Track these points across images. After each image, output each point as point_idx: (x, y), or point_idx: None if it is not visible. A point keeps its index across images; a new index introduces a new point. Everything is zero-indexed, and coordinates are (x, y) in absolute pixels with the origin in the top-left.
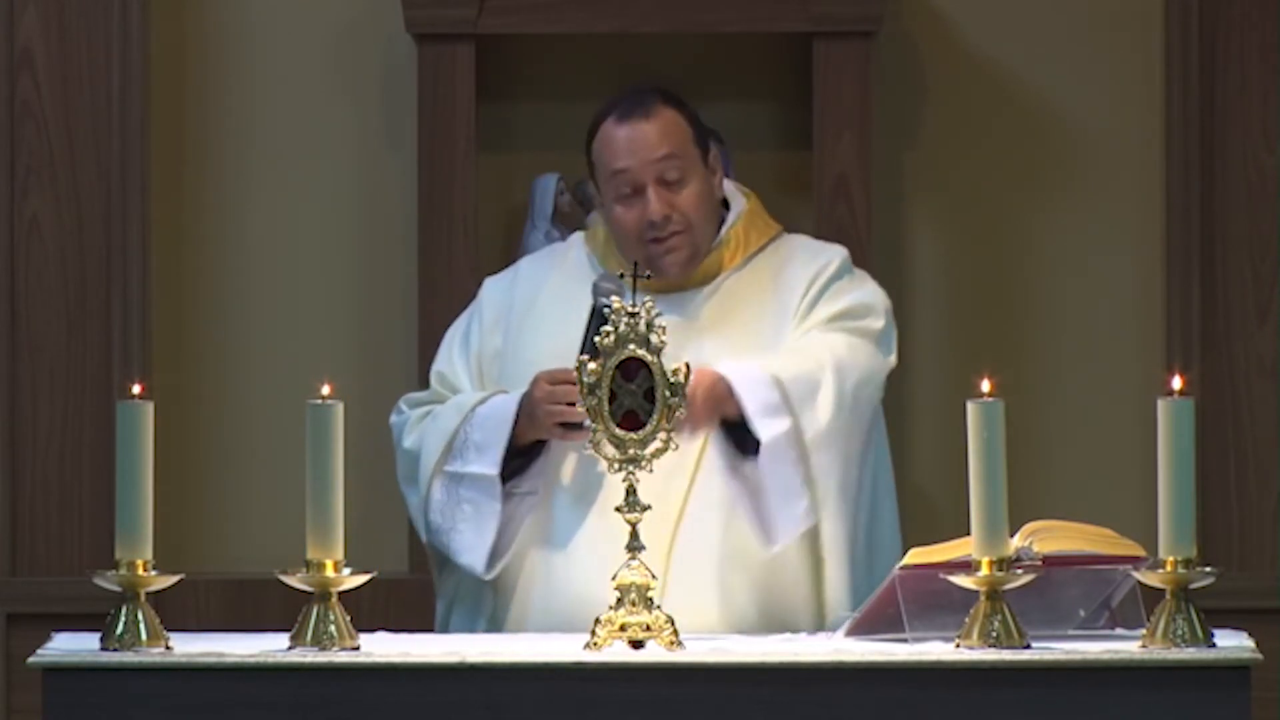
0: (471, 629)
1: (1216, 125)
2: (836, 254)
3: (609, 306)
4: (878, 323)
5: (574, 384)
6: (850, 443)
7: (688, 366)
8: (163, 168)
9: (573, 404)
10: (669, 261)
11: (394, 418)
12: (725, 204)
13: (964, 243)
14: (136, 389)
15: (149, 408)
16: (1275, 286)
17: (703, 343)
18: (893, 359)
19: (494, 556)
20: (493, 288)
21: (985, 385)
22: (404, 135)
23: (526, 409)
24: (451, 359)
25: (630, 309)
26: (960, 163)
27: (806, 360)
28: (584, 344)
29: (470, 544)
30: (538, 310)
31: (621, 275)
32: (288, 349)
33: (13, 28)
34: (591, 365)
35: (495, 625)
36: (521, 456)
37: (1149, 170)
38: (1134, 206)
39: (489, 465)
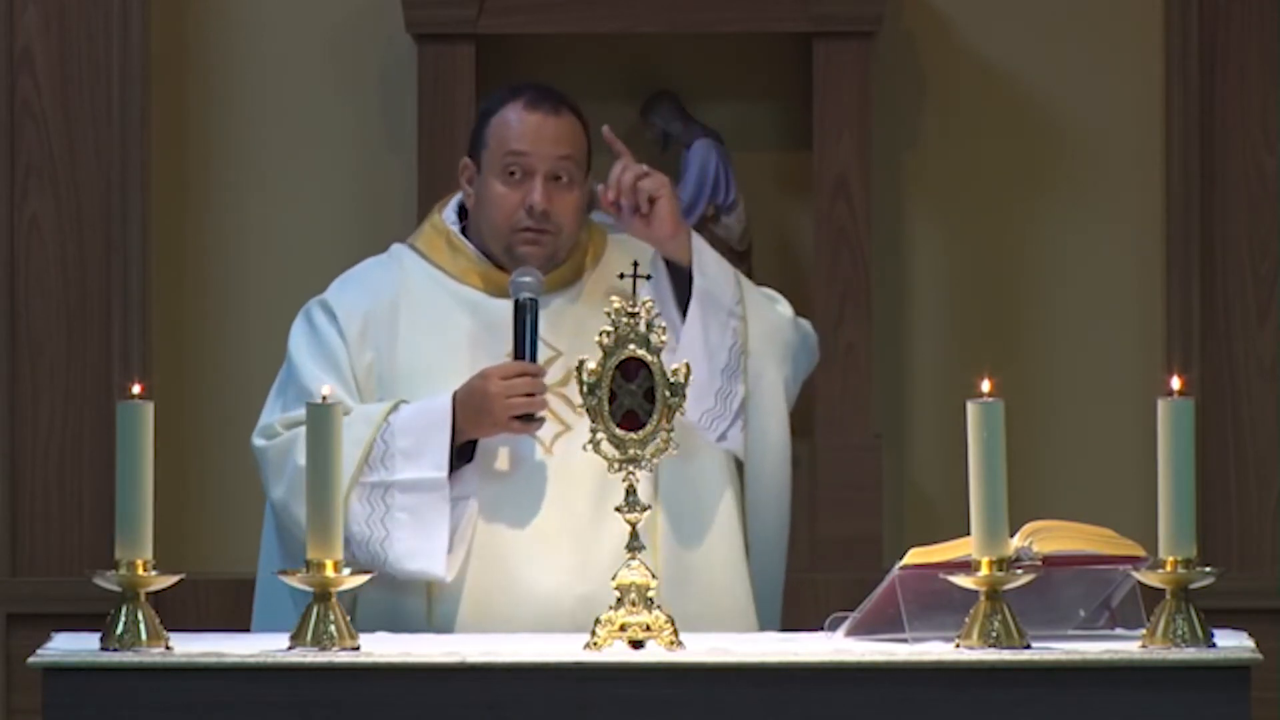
0: (397, 604)
1: (1216, 125)
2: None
3: (532, 299)
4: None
5: (528, 376)
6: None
7: (688, 367)
8: (163, 168)
9: (530, 395)
10: (526, 253)
11: (261, 441)
12: None
13: (964, 243)
14: (136, 389)
15: (149, 408)
16: (1275, 286)
17: (581, 334)
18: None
19: (451, 558)
20: (343, 302)
21: (985, 385)
22: (404, 135)
23: (470, 406)
24: (321, 378)
25: (630, 309)
26: (960, 163)
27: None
28: (516, 340)
29: (415, 550)
30: (401, 323)
31: (622, 276)
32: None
33: (13, 28)
34: (591, 365)
35: (430, 614)
36: (455, 458)
37: (1149, 170)
38: (1134, 206)
39: (432, 468)
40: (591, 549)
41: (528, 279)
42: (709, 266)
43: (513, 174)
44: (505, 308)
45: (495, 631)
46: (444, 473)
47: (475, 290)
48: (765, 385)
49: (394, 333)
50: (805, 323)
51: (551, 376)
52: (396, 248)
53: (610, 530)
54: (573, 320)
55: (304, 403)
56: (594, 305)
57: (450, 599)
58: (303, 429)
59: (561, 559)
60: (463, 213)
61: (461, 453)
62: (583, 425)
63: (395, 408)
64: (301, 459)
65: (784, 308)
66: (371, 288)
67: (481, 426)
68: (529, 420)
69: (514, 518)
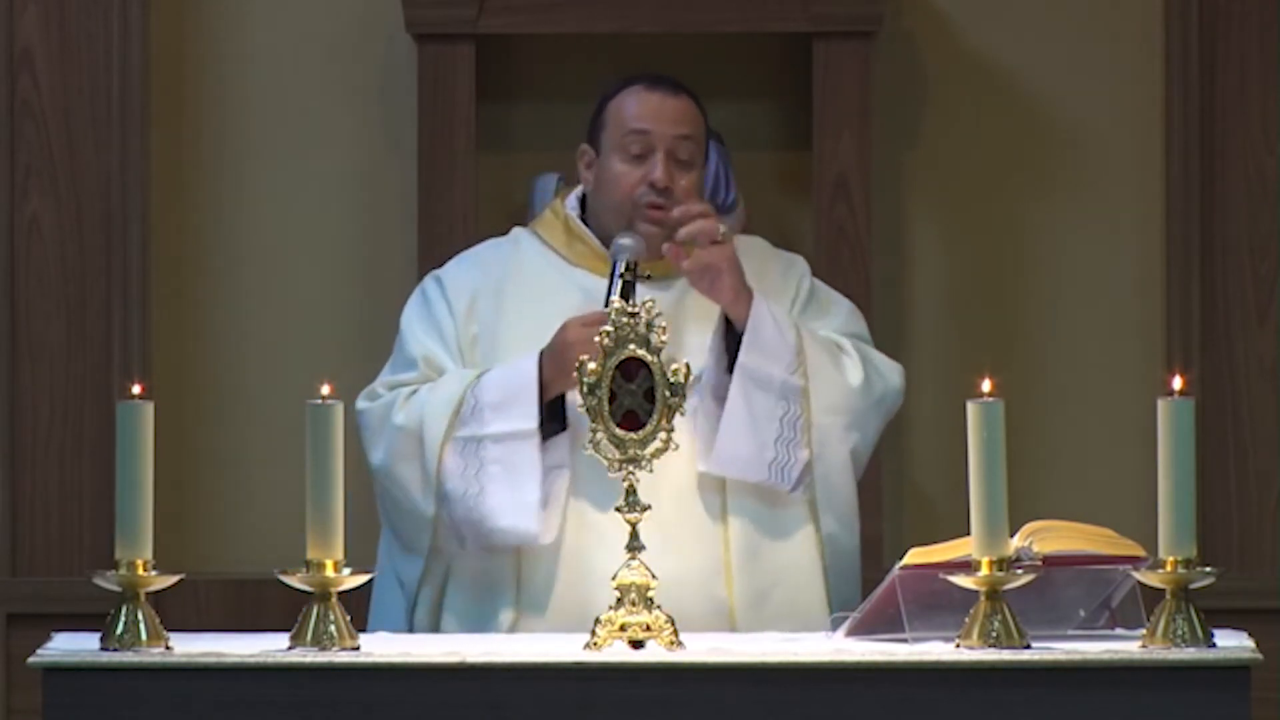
0: (483, 611)
1: (1216, 125)
2: (802, 264)
3: (627, 262)
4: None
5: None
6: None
7: (688, 366)
8: (163, 168)
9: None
10: (648, 231)
11: (364, 403)
12: None
13: (964, 242)
14: (136, 389)
15: (149, 408)
16: (1275, 286)
17: (688, 329)
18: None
19: (546, 519)
20: (457, 276)
21: (985, 385)
22: (404, 135)
23: (554, 356)
24: (428, 345)
25: (630, 309)
26: (960, 163)
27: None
28: (607, 297)
29: (508, 504)
30: (508, 298)
31: (622, 276)
32: (288, 349)
33: (13, 28)
34: (591, 365)
35: (519, 601)
36: (548, 422)
37: (1149, 170)
38: (1134, 206)
39: (522, 420)
40: (673, 535)
41: (628, 241)
42: (763, 338)
43: (634, 152)
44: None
45: (578, 612)
46: (534, 423)
47: (588, 273)
48: (829, 454)
49: (500, 308)
50: (888, 371)
51: None
52: (516, 230)
53: (696, 517)
54: (677, 313)
55: (409, 369)
56: (697, 304)
57: (545, 568)
58: (404, 390)
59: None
60: (583, 204)
61: (554, 414)
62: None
63: (486, 371)
64: (399, 418)
65: (853, 372)
66: (483, 265)
67: (564, 375)
68: None
69: (603, 498)
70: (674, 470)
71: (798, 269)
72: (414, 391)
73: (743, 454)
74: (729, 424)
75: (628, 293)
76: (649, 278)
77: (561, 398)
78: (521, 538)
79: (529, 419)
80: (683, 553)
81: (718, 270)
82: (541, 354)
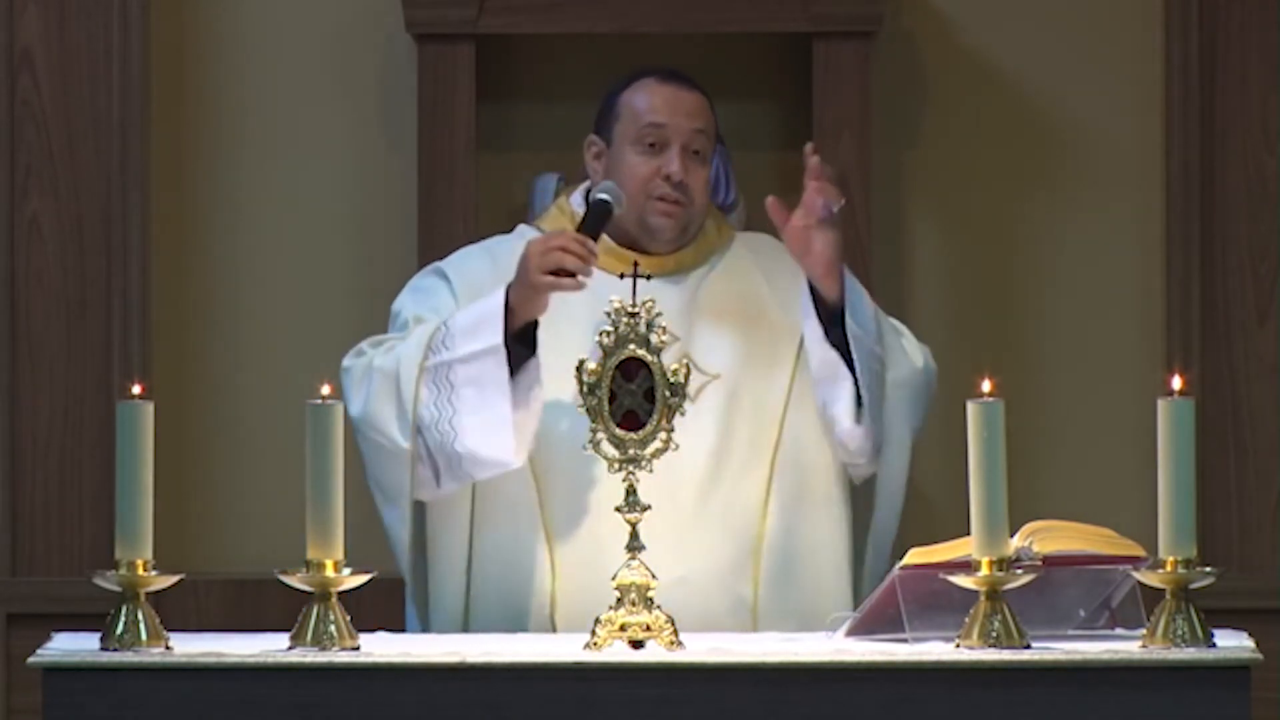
0: (516, 554)
1: (1216, 125)
2: None
3: (605, 200)
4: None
5: (569, 239)
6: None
7: (688, 366)
8: (163, 168)
9: (564, 249)
10: (662, 224)
11: (349, 361)
12: None
13: (964, 243)
14: (136, 389)
15: (149, 408)
16: (1275, 286)
17: (701, 322)
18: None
19: (518, 438)
20: (458, 266)
21: (985, 385)
22: (404, 135)
23: (519, 280)
24: (421, 314)
25: (630, 309)
26: (960, 163)
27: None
28: (581, 223)
29: (481, 426)
30: None
31: (622, 276)
32: (288, 349)
33: (13, 28)
34: (591, 365)
35: (550, 537)
36: (517, 343)
37: (1149, 170)
38: (1134, 206)
39: (489, 337)
40: (689, 535)
41: (610, 187)
42: (860, 312)
43: (650, 144)
44: (621, 286)
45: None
46: (499, 338)
47: (595, 269)
48: (894, 433)
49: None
50: (925, 356)
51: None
52: (521, 227)
53: (712, 515)
54: (690, 308)
55: (399, 331)
56: (714, 297)
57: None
58: (389, 339)
59: (659, 544)
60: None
61: (525, 340)
62: (690, 409)
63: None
64: (378, 361)
65: (915, 352)
66: (488, 257)
67: (523, 291)
68: (562, 276)
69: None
70: (705, 466)
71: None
72: (396, 341)
73: (859, 424)
74: (863, 386)
75: (596, 225)
76: (649, 277)
77: (534, 324)
78: (494, 459)
79: (495, 335)
80: (712, 548)
81: (828, 244)
82: (508, 286)
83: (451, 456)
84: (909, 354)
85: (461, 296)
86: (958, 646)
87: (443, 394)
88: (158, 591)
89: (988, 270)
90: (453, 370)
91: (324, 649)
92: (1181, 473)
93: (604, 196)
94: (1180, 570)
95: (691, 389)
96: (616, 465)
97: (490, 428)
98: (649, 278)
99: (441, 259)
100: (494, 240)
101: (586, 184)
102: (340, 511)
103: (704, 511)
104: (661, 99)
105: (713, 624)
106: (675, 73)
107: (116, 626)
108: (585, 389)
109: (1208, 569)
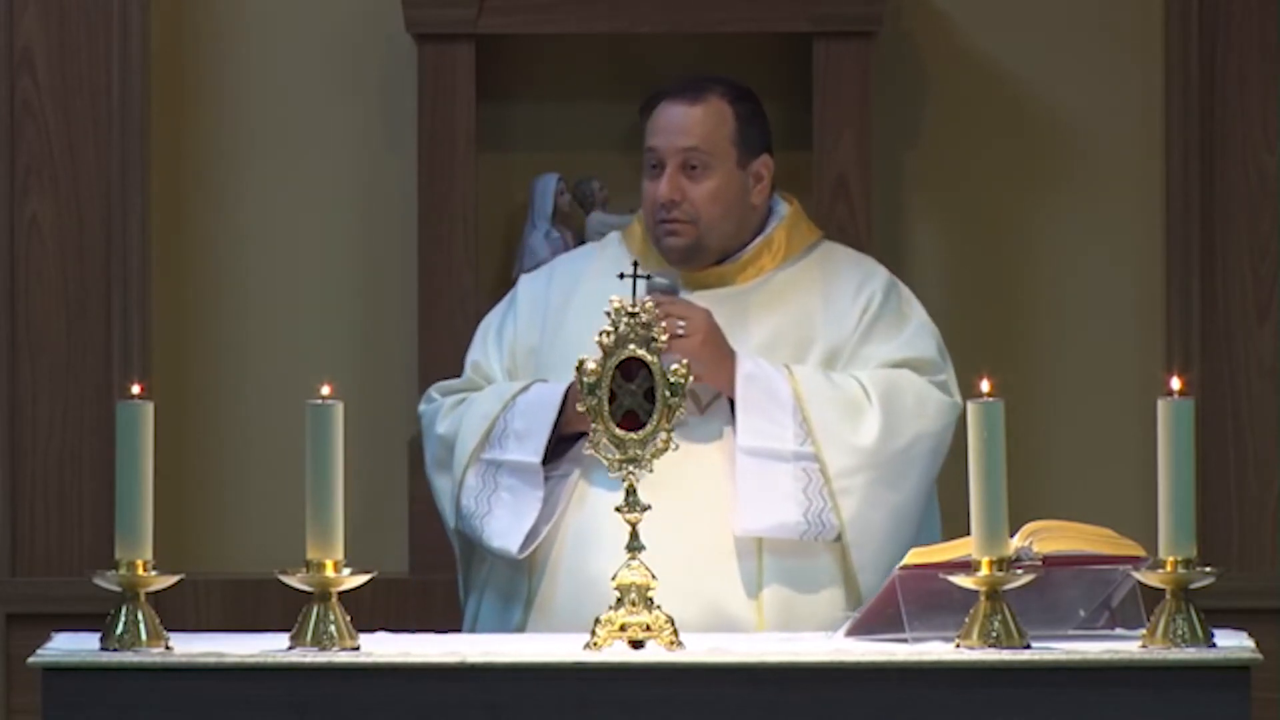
0: (504, 617)
1: (1216, 125)
2: (881, 276)
3: (647, 276)
4: (941, 375)
5: None
6: (897, 493)
7: (688, 366)
8: (163, 168)
9: None
10: (668, 245)
11: (423, 406)
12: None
13: (964, 242)
14: (136, 389)
15: (149, 408)
16: (1275, 286)
17: (749, 336)
18: (958, 401)
19: (529, 539)
20: (529, 285)
21: (985, 385)
22: (404, 135)
23: (575, 397)
24: (486, 350)
25: (630, 309)
26: (960, 162)
27: (851, 389)
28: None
29: (504, 528)
30: (574, 307)
31: (621, 276)
32: (288, 349)
33: (13, 28)
34: (591, 365)
35: (528, 607)
36: (563, 442)
37: (1149, 170)
38: (1134, 206)
39: (531, 453)
40: (679, 544)
41: (661, 280)
42: (759, 412)
43: (653, 168)
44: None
45: (573, 612)
46: (538, 458)
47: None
48: (863, 520)
49: (562, 319)
50: (932, 413)
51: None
52: (611, 235)
53: (706, 526)
54: (738, 322)
55: (464, 373)
56: (763, 314)
57: (535, 575)
58: (450, 399)
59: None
60: None
61: (573, 436)
62: (697, 419)
63: (527, 388)
64: (440, 428)
65: (868, 427)
66: (561, 271)
67: (581, 419)
68: None
69: (602, 499)
70: (715, 491)
71: (872, 284)
72: (461, 400)
73: (771, 524)
74: (748, 506)
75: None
76: (649, 277)
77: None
78: (500, 554)
79: (536, 453)
80: (715, 577)
81: (695, 361)
82: (570, 386)
83: (474, 539)
84: (858, 434)
85: (521, 315)
86: (958, 646)
87: (485, 490)
88: (157, 591)
89: (988, 270)
90: (500, 472)
91: (324, 649)
92: (1181, 473)
93: (650, 283)
94: (1180, 570)
95: (705, 396)
96: (616, 465)
97: (509, 532)
98: (649, 277)
99: (528, 268)
100: (576, 253)
101: None
102: (340, 511)
103: (694, 515)
104: (658, 121)
105: (714, 623)
106: (690, 84)
107: (116, 627)
108: (585, 389)
109: (1208, 569)
